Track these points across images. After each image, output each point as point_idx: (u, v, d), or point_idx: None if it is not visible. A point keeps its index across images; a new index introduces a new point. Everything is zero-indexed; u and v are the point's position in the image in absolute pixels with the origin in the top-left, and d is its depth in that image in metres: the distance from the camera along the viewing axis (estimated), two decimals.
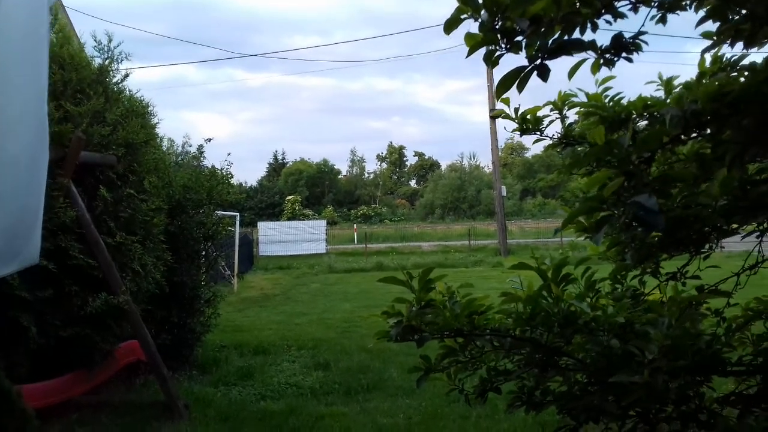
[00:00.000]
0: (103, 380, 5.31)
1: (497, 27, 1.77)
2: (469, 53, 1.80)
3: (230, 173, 6.86)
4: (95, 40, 5.73)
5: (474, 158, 77.80)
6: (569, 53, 1.79)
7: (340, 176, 77.26)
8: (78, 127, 4.93)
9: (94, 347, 5.06)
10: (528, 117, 2.85)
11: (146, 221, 5.43)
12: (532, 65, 1.76)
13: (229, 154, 6.95)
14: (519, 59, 1.80)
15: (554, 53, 1.75)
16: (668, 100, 2.55)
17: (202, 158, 7.35)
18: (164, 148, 7.22)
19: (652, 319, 2.26)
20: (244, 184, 66.09)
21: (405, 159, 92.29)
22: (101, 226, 5.06)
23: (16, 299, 4.45)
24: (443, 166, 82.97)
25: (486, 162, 78.31)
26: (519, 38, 1.78)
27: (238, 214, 15.30)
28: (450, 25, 1.78)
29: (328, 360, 6.89)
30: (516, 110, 2.85)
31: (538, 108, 2.82)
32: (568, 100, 2.78)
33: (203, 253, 6.85)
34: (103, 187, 5.09)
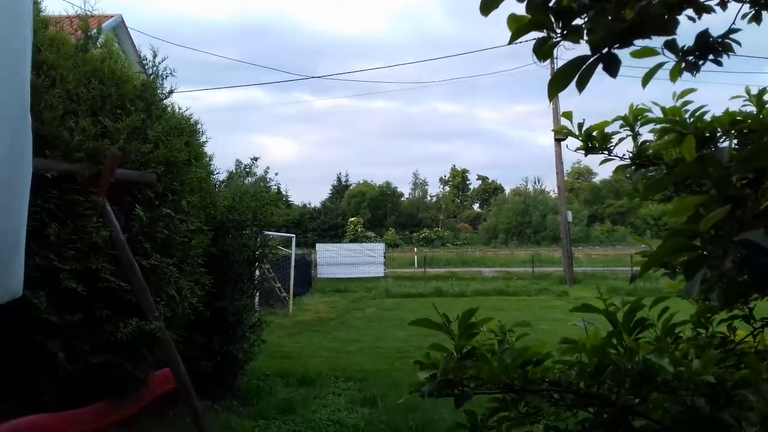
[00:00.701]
0: (135, 410, 5.05)
1: (550, 6, 1.36)
2: (512, 39, 1.38)
3: (281, 193, 6.59)
4: (139, 56, 5.59)
5: (539, 182, 76.28)
6: (648, 37, 1.35)
7: (402, 199, 77.18)
8: (115, 144, 4.74)
9: (126, 375, 4.81)
10: (594, 134, 2.44)
11: (184, 243, 5.19)
12: (597, 55, 1.34)
13: (276, 174, 6.74)
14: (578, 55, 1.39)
15: (627, 38, 1.32)
16: (761, 115, 2.14)
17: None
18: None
19: (749, 377, 1.79)
20: (308, 205, 66.80)
21: (468, 182, 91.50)
22: (136, 248, 4.83)
23: (44, 323, 4.24)
24: (507, 190, 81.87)
25: (551, 186, 76.78)
26: (578, 21, 1.37)
27: (293, 236, 15.12)
28: (488, 5, 1.37)
29: (376, 395, 6.46)
30: (580, 126, 2.44)
31: (606, 123, 2.41)
32: (641, 115, 2.35)
33: (247, 276, 6.57)
34: (139, 207, 4.87)
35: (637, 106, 2.35)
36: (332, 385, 7.01)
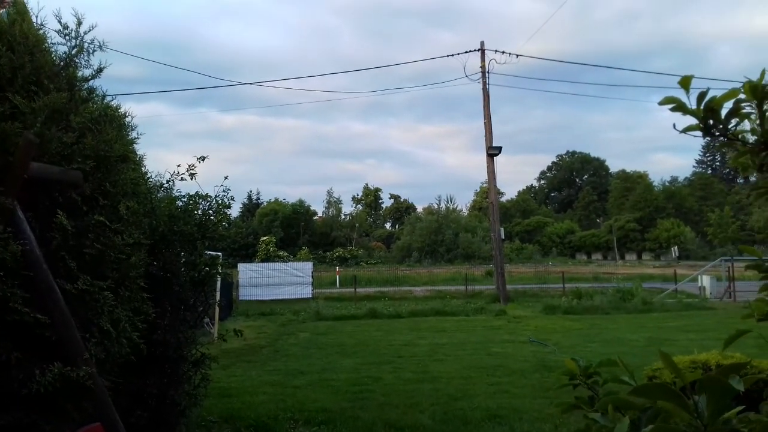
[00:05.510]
0: None
1: None
2: None
3: (230, 200, 5.44)
4: (60, 23, 4.36)
5: (451, 201, 77.40)
6: None
7: (315, 218, 76.23)
8: (30, 129, 3.52)
9: None
10: (713, 108, 1.72)
11: (121, 260, 3.99)
12: None
13: (226, 178, 5.53)
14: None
15: None
16: None
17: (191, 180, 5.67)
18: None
19: None
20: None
21: (381, 201, 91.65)
22: (58, 267, 3.60)
23: None
24: (419, 209, 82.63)
25: (461, 205, 78.22)
26: None
27: (221, 254, 13.70)
28: None
29: None
30: (701, 96, 1.70)
31: (735, 92, 1.67)
32: None
33: (191, 302, 5.37)
34: (61, 213, 3.65)
35: None
36: (293, 431, 5.86)
